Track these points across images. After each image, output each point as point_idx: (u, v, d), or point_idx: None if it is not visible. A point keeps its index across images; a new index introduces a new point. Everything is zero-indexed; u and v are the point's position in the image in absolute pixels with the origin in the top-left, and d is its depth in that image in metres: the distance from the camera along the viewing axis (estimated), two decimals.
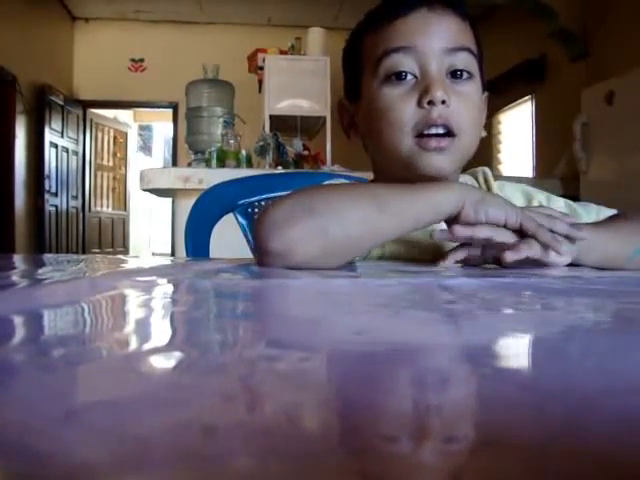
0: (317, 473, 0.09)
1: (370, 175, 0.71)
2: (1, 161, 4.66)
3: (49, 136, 5.31)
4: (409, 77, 0.58)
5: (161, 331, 0.24)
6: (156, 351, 0.19)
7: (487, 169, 0.74)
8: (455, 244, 0.54)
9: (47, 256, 0.94)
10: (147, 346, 0.20)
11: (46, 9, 5.30)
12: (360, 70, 0.64)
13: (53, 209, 5.42)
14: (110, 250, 6.45)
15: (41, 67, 5.19)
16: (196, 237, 1.00)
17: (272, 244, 0.49)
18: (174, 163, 5.69)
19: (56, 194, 5.48)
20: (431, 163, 0.58)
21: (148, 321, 0.26)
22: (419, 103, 0.57)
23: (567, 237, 0.51)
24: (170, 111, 6.00)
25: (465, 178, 0.72)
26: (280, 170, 2.74)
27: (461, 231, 0.50)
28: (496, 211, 0.50)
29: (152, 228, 8.64)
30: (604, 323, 0.27)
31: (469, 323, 0.26)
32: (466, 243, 0.52)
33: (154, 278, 0.44)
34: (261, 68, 3.68)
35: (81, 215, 6.08)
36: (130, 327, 0.24)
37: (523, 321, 0.27)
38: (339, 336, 0.22)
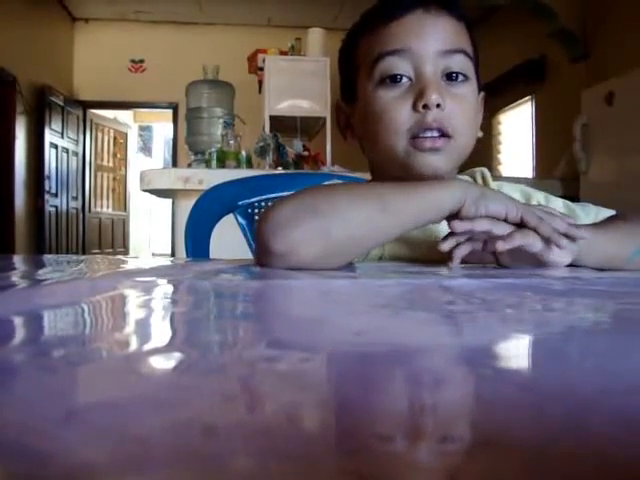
0: (317, 473, 0.09)
1: (369, 176, 0.71)
2: (1, 161, 4.66)
3: (49, 137, 5.31)
4: (404, 80, 0.58)
5: (161, 332, 0.24)
6: (156, 352, 0.19)
7: (485, 170, 0.74)
8: (445, 233, 0.53)
9: (47, 257, 0.94)
10: (147, 347, 0.20)
11: (46, 10, 5.30)
12: (356, 72, 0.64)
13: (53, 210, 5.41)
14: (110, 251, 6.44)
15: (41, 68, 5.19)
16: (196, 238, 0.99)
17: (275, 245, 0.48)
18: (174, 164, 5.69)
19: (56, 195, 5.48)
20: (427, 163, 0.58)
21: (148, 322, 0.26)
22: (414, 106, 0.57)
23: (567, 236, 0.51)
24: (170, 112, 6.00)
25: (463, 179, 0.72)
26: (280, 171, 2.74)
27: (460, 225, 0.49)
28: (496, 205, 0.50)
29: (152, 229, 8.63)
30: (604, 324, 0.27)
31: (469, 324, 0.26)
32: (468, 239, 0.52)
33: (154, 279, 0.44)
34: (261, 69, 3.68)
35: (81, 216, 6.08)
36: (130, 328, 0.24)
37: (523, 322, 0.27)
38: (339, 337, 0.22)
